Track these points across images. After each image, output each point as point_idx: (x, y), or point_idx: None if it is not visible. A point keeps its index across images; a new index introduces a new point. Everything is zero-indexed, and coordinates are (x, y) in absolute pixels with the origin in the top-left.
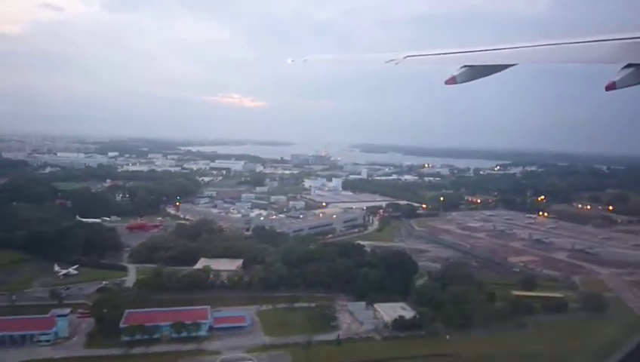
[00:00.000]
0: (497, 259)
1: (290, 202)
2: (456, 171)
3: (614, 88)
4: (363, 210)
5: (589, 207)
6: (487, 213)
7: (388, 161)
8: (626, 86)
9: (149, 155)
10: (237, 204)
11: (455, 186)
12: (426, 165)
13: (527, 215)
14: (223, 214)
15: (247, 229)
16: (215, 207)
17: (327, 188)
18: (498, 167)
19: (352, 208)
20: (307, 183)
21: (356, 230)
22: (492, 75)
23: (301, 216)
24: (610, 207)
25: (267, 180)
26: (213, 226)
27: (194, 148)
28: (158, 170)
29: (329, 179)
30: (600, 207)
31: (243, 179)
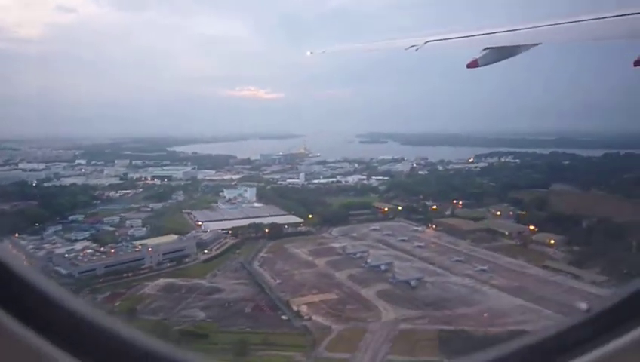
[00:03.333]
0: (284, 301)
1: (127, 222)
2: (421, 164)
3: None
4: (222, 231)
5: (499, 213)
6: (377, 225)
7: (385, 151)
8: None
9: (116, 161)
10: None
11: (397, 187)
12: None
13: (416, 227)
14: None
15: None
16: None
17: (238, 200)
18: (472, 159)
19: (221, 229)
20: (225, 193)
21: (174, 263)
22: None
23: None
24: (524, 212)
25: (180, 192)
26: None
27: (179, 148)
28: (78, 182)
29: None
30: (511, 213)
31: (156, 190)
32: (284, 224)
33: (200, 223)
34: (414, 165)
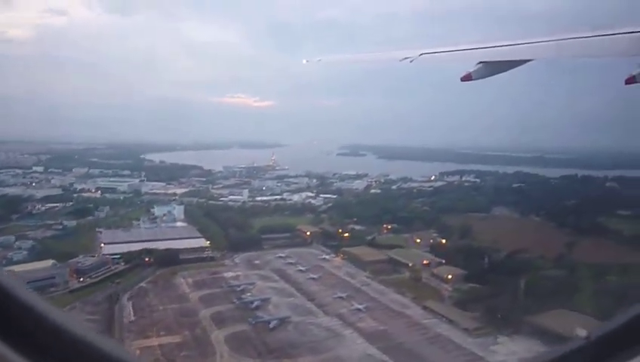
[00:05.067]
0: (121, 344)
1: (17, 243)
2: (380, 182)
3: (634, 82)
4: (113, 256)
5: (418, 240)
6: (287, 252)
7: (360, 164)
8: None
9: (74, 169)
10: None
11: (336, 208)
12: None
13: (325, 256)
14: None
15: None
16: None
17: (164, 218)
18: (433, 177)
19: (111, 254)
20: (155, 210)
21: (37, 294)
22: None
23: None
24: (444, 240)
25: (106, 208)
26: None
27: (151, 156)
28: (13, 192)
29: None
30: (431, 240)
31: (83, 205)
32: (189, 248)
33: (102, 245)
34: (373, 183)
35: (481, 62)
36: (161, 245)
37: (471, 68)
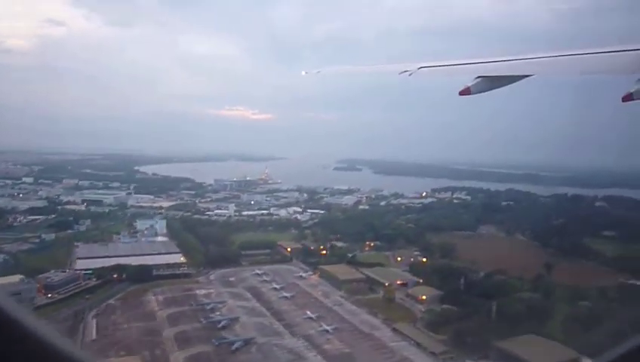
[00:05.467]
0: None
1: None
2: (371, 198)
3: (631, 100)
4: (85, 271)
5: (399, 258)
6: (264, 269)
7: (355, 179)
8: None
9: (64, 181)
10: None
11: (321, 224)
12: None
13: (302, 274)
14: None
15: None
16: None
17: (146, 233)
18: (424, 193)
19: (82, 270)
20: (138, 224)
21: None
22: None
23: None
24: (424, 259)
25: (87, 221)
26: None
27: (145, 168)
28: None
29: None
30: (412, 258)
31: (64, 218)
32: (164, 264)
33: (77, 259)
34: (363, 198)
35: (479, 77)
36: (137, 260)
37: (469, 82)
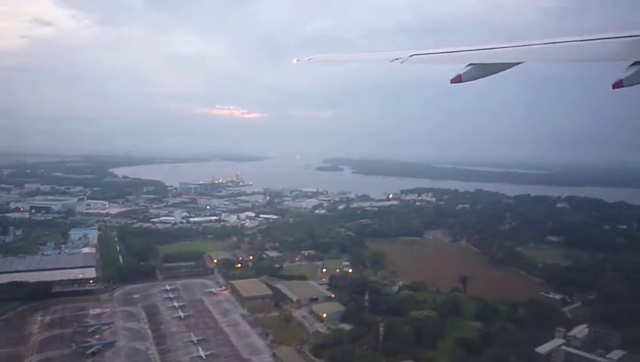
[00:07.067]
0: None
1: None
2: (336, 201)
3: (622, 86)
4: None
5: (324, 270)
6: (174, 285)
7: (334, 179)
8: (634, 84)
9: (26, 185)
10: None
11: (266, 231)
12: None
13: (212, 289)
14: None
15: None
16: None
17: (78, 243)
18: (391, 195)
19: None
20: (72, 234)
21: None
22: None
23: None
24: (350, 271)
25: (18, 231)
26: None
27: (120, 170)
28: None
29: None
30: (337, 270)
31: None
32: (71, 280)
33: None
34: (323, 202)
35: (470, 64)
36: (40, 276)
37: (461, 70)
